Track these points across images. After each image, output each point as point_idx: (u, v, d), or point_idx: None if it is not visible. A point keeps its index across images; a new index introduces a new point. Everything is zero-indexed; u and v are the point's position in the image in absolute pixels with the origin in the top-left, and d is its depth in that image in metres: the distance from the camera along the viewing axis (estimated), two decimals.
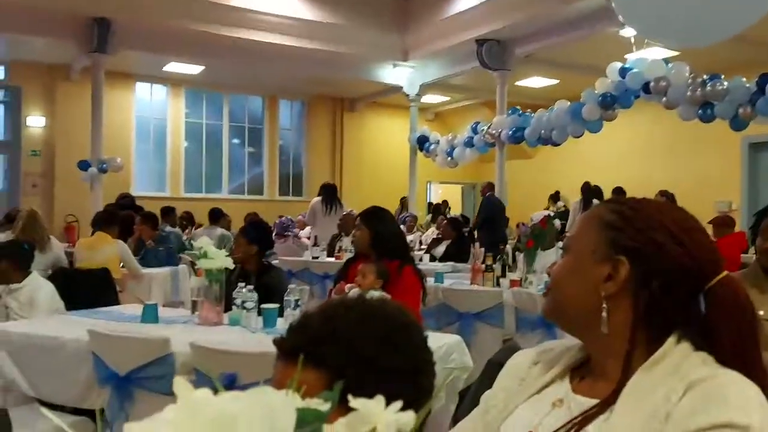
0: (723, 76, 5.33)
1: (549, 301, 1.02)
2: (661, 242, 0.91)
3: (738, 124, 5.35)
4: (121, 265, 5.12)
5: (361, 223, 3.33)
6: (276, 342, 0.86)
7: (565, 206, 9.98)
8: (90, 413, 2.55)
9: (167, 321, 3.07)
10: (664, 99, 5.60)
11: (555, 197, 10.36)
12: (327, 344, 0.81)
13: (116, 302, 4.39)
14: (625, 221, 0.94)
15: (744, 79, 5.24)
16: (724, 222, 5.96)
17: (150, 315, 3.04)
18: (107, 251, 5.00)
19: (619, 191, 8.96)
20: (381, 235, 3.21)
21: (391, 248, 3.18)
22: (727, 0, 1.50)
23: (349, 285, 3.08)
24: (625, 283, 0.92)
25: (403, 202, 10.55)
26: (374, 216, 3.32)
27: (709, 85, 5.30)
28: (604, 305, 0.92)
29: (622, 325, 0.92)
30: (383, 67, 9.96)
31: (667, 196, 8.77)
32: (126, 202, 7.66)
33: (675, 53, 7.20)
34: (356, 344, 0.81)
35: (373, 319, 0.85)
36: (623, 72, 5.89)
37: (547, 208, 9.90)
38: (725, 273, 0.92)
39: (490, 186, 8.44)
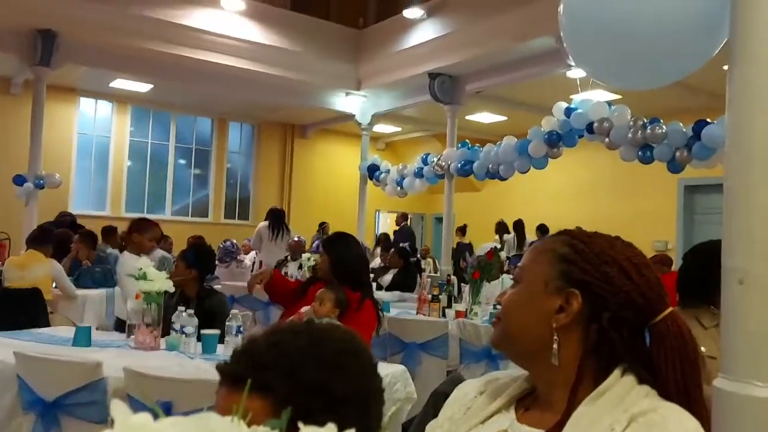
0: (662, 121, 5.55)
1: (499, 330, 1.01)
2: (612, 276, 0.93)
3: (675, 166, 5.56)
4: (54, 285, 4.90)
5: (323, 248, 3.34)
6: (219, 367, 0.82)
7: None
8: None
9: (100, 344, 2.94)
10: (607, 140, 5.79)
11: (503, 229, 10.52)
12: (274, 370, 0.78)
13: (47, 324, 4.20)
14: (578, 254, 0.95)
15: (681, 124, 5.47)
16: (662, 260, 6.17)
17: (82, 338, 2.91)
18: (39, 270, 4.79)
19: (542, 228, 9.46)
20: (341, 262, 3.18)
21: (351, 276, 3.14)
22: (672, 49, 1.56)
23: (305, 308, 3.02)
24: (577, 316, 0.93)
25: (324, 228, 10.48)
26: (336, 242, 3.31)
27: (648, 128, 5.50)
28: (556, 337, 0.93)
29: (571, 356, 0.93)
30: (336, 95, 10.00)
31: (542, 231, 9.28)
32: (66, 220, 7.38)
33: (618, 96, 7.48)
34: (304, 370, 0.78)
35: (321, 344, 0.82)
36: (568, 112, 6.07)
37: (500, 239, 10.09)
38: (670, 309, 0.94)
39: (404, 217, 8.91)
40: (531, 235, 9.80)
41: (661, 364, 0.90)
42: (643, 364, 0.91)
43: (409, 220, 14.18)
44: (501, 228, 10.43)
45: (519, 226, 10.01)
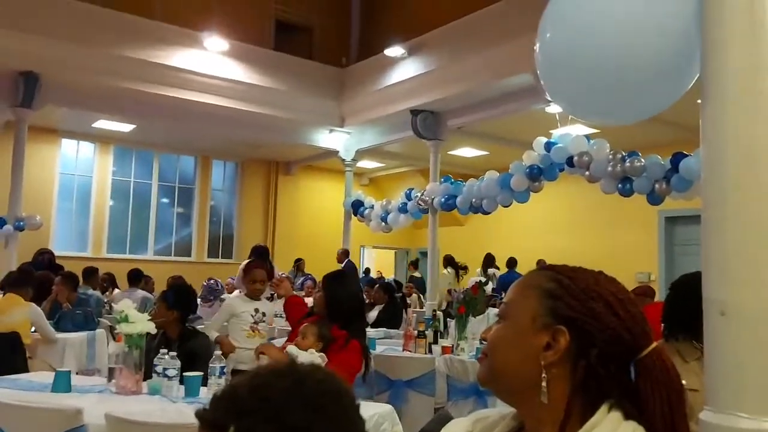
0: (640, 154, 5.65)
1: (485, 367, 1.00)
2: (599, 312, 0.93)
3: (654, 198, 5.65)
4: (33, 329, 4.80)
5: (321, 284, 3.47)
6: (198, 414, 0.80)
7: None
8: None
9: (81, 390, 2.87)
10: (587, 173, 5.87)
11: (489, 263, 10.52)
12: (255, 415, 0.77)
13: (26, 369, 4.10)
14: (565, 290, 0.95)
15: (659, 157, 5.58)
16: (645, 292, 6.18)
17: (62, 383, 2.84)
18: (17, 314, 4.68)
19: (512, 262, 9.61)
20: (335, 299, 3.22)
21: (342, 314, 3.16)
22: (645, 86, 1.60)
23: (289, 346, 3.04)
24: (565, 353, 0.92)
25: (299, 265, 10.39)
26: (334, 280, 3.37)
27: (627, 161, 5.60)
28: (544, 374, 0.92)
29: (559, 393, 0.92)
30: (320, 132, 10.08)
31: (510, 265, 9.44)
32: (44, 259, 7.25)
33: (596, 131, 7.62)
34: (287, 413, 0.77)
35: (303, 386, 0.81)
36: (549, 146, 6.16)
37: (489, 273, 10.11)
38: (655, 344, 0.94)
39: (346, 253, 9.55)
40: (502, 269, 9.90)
41: (648, 398, 0.90)
42: (630, 399, 0.91)
43: (395, 256, 14.20)
44: (487, 262, 10.44)
45: (512, 263, 10.06)
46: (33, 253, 7.70)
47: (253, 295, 4.09)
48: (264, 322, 4.05)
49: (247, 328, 3.96)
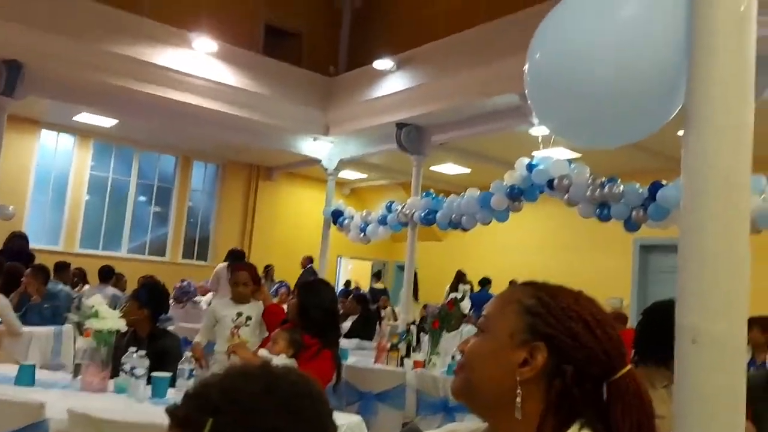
0: (620, 180, 5.72)
1: (461, 380, 1.00)
2: (576, 332, 0.94)
3: (631, 225, 5.70)
4: None
5: (295, 292, 3.47)
6: (169, 410, 0.79)
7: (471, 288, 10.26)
8: None
9: (44, 384, 2.81)
10: (566, 196, 5.92)
11: (459, 279, 10.55)
12: (227, 415, 0.75)
13: None
14: (545, 308, 0.96)
15: (638, 185, 5.65)
16: (617, 318, 6.26)
17: (25, 376, 2.78)
18: None
19: (485, 281, 9.78)
20: (307, 308, 3.21)
21: (314, 324, 3.16)
22: (631, 111, 1.63)
23: (262, 350, 3.06)
24: (541, 369, 0.93)
25: (268, 272, 10.10)
26: (308, 289, 3.39)
27: (606, 186, 5.66)
28: (519, 390, 0.92)
29: (533, 410, 0.93)
30: (303, 140, 10.06)
31: (483, 284, 9.63)
32: (17, 243, 7.07)
33: (578, 155, 7.71)
34: (259, 415, 0.76)
35: (277, 388, 0.80)
36: (530, 167, 6.21)
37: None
38: (629, 367, 0.95)
39: (309, 259, 9.87)
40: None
41: (618, 421, 0.91)
42: (601, 420, 0.92)
43: (372, 267, 14.18)
44: (458, 279, 10.48)
45: (485, 281, 10.24)
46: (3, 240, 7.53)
47: (235, 298, 3.96)
48: (247, 326, 3.89)
49: (227, 332, 3.85)
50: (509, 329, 0.96)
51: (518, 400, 0.92)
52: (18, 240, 7.35)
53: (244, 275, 3.96)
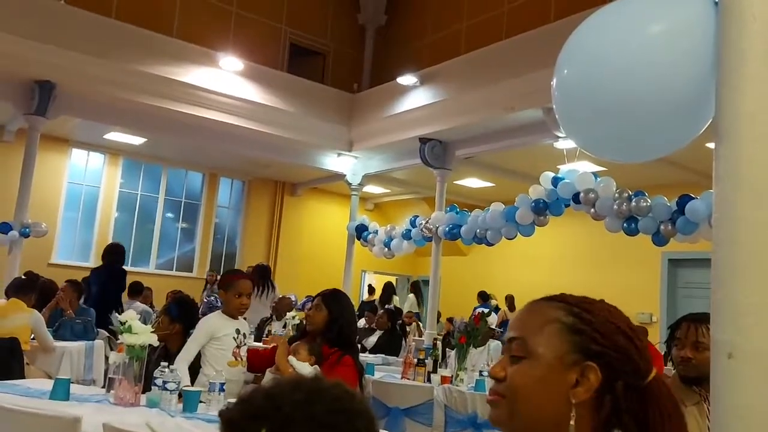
0: (647, 194, 5.67)
1: (506, 411, 0.94)
2: (621, 345, 0.93)
3: (659, 239, 5.64)
4: (32, 336, 4.79)
5: (321, 302, 3.27)
6: (220, 412, 0.83)
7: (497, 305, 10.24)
8: None
9: (79, 399, 2.86)
10: (593, 210, 5.88)
11: (483, 296, 10.52)
12: (265, 422, 0.78)
13: (22, 375, 4.08)
14: (587, 325, 0.94)
15: (665, 198, 5.59)
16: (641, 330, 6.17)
17: (61, 391, 2.83)
18: (18, 320, 4.68)
19: (511, 299, 9.71)
20: (337, 319, 3.20)
21: (342, 335, 3.17)
22: (661, 126, 1.63)
23: (290, 357, 3.06)
24: (595, 388, 0.91)
25: (265, 271, 9.93)
26: (335, 299, 3.31)
27: (633, 200, 5.61)
28: (573, 413, 0.91)
29: (584, 430, 0.91)
30: (328, 155, 10.14)
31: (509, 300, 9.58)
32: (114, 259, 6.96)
33: (603, 168, 7.66)
34: (294, 425, 0.78)
35: (317, 401, 0.82)
36: (555, 181, 6.18)
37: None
38: (655, 370, 0.95)
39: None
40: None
41: (657, 424, 0.91)
42: (637, 424, 0.91)
43: (396, 282, 14.15)
44: (481, 299, 10.46)
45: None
46: (36, 262, 7.68)
47: (238, 312, 3.41)
48: (245, 344, 3.41)
49: (230, 354, 3.30)
50: (555, 351, 0.93)
51: (572, 423, 0.90)
52: (115, 256, 7.13)
53: (248, 284, 3.48)
